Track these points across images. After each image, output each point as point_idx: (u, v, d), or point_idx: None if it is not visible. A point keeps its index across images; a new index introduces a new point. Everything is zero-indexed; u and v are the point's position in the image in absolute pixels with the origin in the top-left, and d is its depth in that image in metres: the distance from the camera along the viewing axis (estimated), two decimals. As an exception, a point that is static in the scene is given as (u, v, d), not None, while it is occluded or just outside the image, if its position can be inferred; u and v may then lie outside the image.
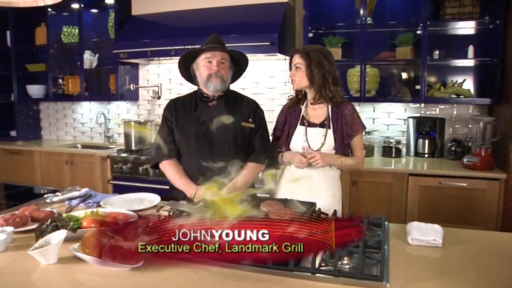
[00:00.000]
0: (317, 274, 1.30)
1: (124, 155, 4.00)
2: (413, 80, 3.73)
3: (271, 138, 2.38)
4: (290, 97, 2.40)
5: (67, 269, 1.43)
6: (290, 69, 2.28)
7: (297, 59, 2.21)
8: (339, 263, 1.36)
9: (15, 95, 4.96)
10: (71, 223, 1.66)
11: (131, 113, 4.81)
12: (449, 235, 1.67)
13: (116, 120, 4.86)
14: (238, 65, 2.31)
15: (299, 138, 2.25)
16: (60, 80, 4.91)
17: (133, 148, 4.14)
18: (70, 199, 2.27)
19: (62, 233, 1.50)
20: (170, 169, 2.25)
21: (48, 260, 1.44)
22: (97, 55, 4.67)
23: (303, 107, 2.29)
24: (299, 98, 2.31)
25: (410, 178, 3.22)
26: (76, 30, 4.68)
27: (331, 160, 2.19)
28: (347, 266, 1.36)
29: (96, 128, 5.04)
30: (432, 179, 3.18)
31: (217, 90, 2.20)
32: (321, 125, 2.24)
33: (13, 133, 5.08)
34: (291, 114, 2.31)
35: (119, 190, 3.91)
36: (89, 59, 4.65)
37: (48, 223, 1.67)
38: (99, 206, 2.12)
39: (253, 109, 2.32)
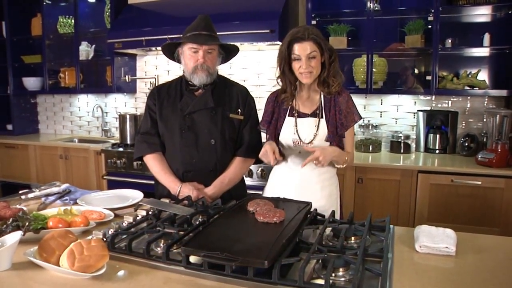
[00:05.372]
0: (305, 289, 1.10)
1: (119, 149, 3.83)
2: (424, 71, 3.49)
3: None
4: (278, 89, 2.06)
5: (20, 277, 1.24)
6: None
7: (309, 46, 1.85)
8: (333, 275, 1.15)
9: (11, 88, 4.81)
10: (33, 223, 1.48)
11: (128, 106, 4.64)
12: (463, 242, 1.45)
13: (114, 113, 4.70)
14: (228, 51, 2.10)
15: (289, 131, 1.99)
16: (56, 72, 4.75)
17: (129, 142, 3.96)
18: (48, 195, 2.09)
19: (16, 235, 1.32)
20: (153, 163, 2.06)
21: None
22: (93, 46, 4.49)
23: None
24: (291, 89, 1.99)
25: (420, 175, 3.00)
26: (73, 21, 4.50)
27: (334, 156, 1.87)
28: (342, 280, 1.16)
29: (93, 121, 4.88)
30: (444, 177, 2.95)
31: (203, 83, 2.01)
32: (313, 114, 1.98)
33: (9, 127, 4.94)
34: (279, 104, 2.04)
35: (114, 185, 3.75)
36: (86, 50, 4.48)
37: (9, 222, 1.49)
38: (76, 203, 1.94)
39: (243, 98, 2.12)
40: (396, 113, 3.67)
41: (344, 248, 1.31)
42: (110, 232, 1.43)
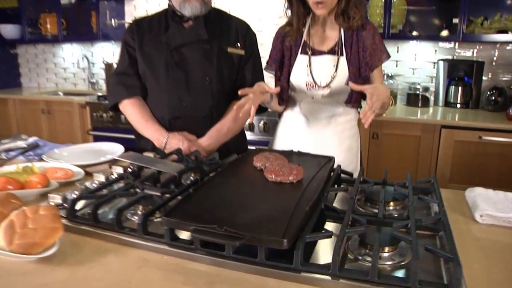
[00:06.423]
0: (341, 280, 0.76)
1: (105, 101, 3.45)
2: (448, 14, 3.07)
3: (264, 72, 1.78)
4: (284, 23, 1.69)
5: None
6: None
7: None
8: (378, 255, 0.81)
9: (-14, 37, 4.36)
10: (-27, 184, 1.13)
11: (117, 55, 4.19)
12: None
13: (101, 64, 4.28)
14: None
15: (301, 71, 1.62)
16: (36, 20, 4.28)
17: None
18: (9, 150, 1.73)
19: None
20: (132, 110, 1.70)
21: None
22: (77, -13, 4.03)
23: (304, 30, 1.64)
24: (299, 24, 1.62)
25: (443, 131, 2.66)
26: (52, -42, 4.02)
27: (387, 97, 1.38)
28: (390, 263, 0.82)
29: (79, 73, 4.49)
30: (471, 133, 2.61)
31: (196, 14, 1.62)
32: (331, 52, 1.61)
33: (-12, 80, 4.53)
34: (289, 40, 1.66)
35: (101, 142, 3.41)
36: (68, -8, 4.02)
37: None
38: (42, 160, 1.59)
39: (242, 32, 1.73)
40: (413, 63, 3.29)
41: (385, 218, 0.96)
42: (73, 196, 1.08)
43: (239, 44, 1.70)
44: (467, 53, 3.16)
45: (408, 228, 0.88)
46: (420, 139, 2.72)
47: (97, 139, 3.47)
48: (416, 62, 3.28)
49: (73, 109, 3.71)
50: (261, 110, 1.70)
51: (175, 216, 0.86)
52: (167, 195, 1.06)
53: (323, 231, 0.85)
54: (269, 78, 1.74)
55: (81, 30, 4.23)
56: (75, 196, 1.06)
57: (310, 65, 1.60)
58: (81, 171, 1.40)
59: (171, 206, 0.92)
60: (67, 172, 1.36)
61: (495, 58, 3.09)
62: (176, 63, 1.63)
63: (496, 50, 3.08)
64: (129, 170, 1.28)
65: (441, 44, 3.19)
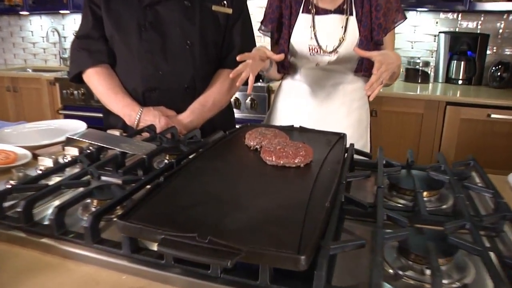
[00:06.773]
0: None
1: (76, 77, 3.14)
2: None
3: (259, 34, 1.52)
4: None
5: None
6: None
7: None
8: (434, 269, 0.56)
9: None
10: None
11: (90, 28, 3.87)
12: None
13: (73, 37, 3.93)
14: None
15: (303, 34, 1.37)
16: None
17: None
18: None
19: None
20: (98, 81, 1.40)
21: None
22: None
23: None
24: None
25: (449, 108, 2.45)
26: None
27: (397, 67, 1.22)
28: (446, 284, 0.57)
29: (50, 48, 4.15)
30: (479, 111, 2.41)
31: None
32: (338, 11, 1.37)
33: None
34: None
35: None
36: (33, -45, 3.64)
37: None
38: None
39: None
40: (413, 35, 3.07)
41: (430, 214, 0.71)
42: (5, 187, 0.81)
43: (225, 2, 1.41)
44: (471, 25, 2.94)
45: (466, 227, 0.63)
46: (422, 117, 2.51)
47: (68, 118, 3.17)
48: (415, 34, 3.06)
49: (42, 86, 3.41)
50: (259, 77, 1.44)
51: (137, 217, 0.59)
52: (133, 184, 0.79)
53: (350, 237, 0.60)
54: (259, 43, 1.48)
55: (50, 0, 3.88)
56: (6, 188, 0.78)
57: (313, 26, 1.36)
58: (28, 154, 1.11)
59: (133, 203, 0.64)
60: (9, 155, 1.07)
61: (500, 31, 2.88)
62: (151, 23, 1.33)
63: (502, 22, 2.86)
64: (87, 152, 1.01)
65: (442, 15, 2.96)
